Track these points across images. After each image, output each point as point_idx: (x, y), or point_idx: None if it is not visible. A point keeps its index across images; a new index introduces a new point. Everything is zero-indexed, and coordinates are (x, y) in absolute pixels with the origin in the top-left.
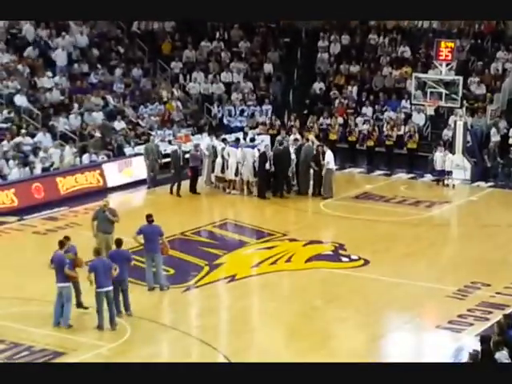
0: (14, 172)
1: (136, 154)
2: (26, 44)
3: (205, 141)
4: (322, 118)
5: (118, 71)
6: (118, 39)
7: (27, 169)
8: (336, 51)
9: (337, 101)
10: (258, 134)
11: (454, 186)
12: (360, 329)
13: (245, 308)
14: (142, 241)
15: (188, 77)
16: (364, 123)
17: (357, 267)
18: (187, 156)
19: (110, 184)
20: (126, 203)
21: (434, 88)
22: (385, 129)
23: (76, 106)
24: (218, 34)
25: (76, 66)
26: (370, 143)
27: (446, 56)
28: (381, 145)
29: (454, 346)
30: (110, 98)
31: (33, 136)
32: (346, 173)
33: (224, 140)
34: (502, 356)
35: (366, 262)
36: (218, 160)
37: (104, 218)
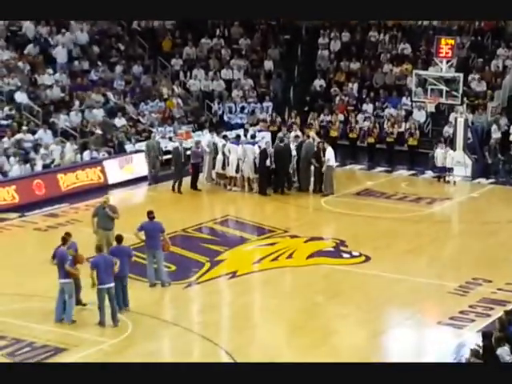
0: (15, 169)
1: (137, 151)
2: (27, 41)
3: (205, 138)
4: (322, 115)
5: (119, 68)
6: (118, 36)
7: (28, 165)
8: (336, 48)
9: (337, 98)
10: (259, 131)
11: (454, 182)
12: (361, 325)
13: (246, 304)
14: (144, 237)
15: (188, 74)
16: (365, 120)
17: (358, 263)
18: (188, 153)
19: (110, 181)
20: (127, 200)
21: (435, 85)
22: (385, 126)
23: (77, 103)
24: (218, 31)
25: (76, 63)
26: (371, 140)
27: (447, 53)
28: (381, 142)
29: (455, 342)
30: (110, 94)
31: (33, 133)
32: (346, 169)
33: (225, 137)
34: (503, 352)
35: (367, 259)
36: (219, 157)
37: (104, 214)
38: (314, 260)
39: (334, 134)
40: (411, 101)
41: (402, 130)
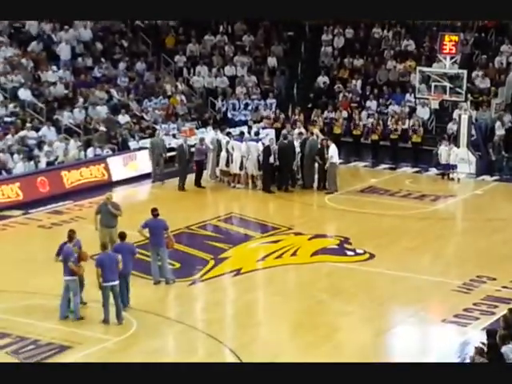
0: (19, 166)
1: (140, 148)
2: (30, 38)
3: (209, 135)
4: (326, 112)
5: (122, 65)
6: (121, 33)
7: (32, 163)
8: (340, 45)
9: (341, 94)
10: (263, 128)
11: (458, 179)
12: (365, 323)
13: (250, 302)
14: (147, 234)
15: (192, 71)
16: (368, 117)
17: (362, 261)
18: (192, 150)
19: (114, 178)
20: (131, 197)
21: (439, 82)
22: (389, 123)
23: (80, 99)
24: (221, 28)
25: (80, 59)
26: (375, 137)
27: (450, 49)
28: (385, 139)
29: (459, 340)
30: (114, 91)
31: (37, 130)
32: (350, 167)
33: (228, 134)
34: (508, 350)
35: (371, 256)
36: (223, 154)
37: (107, 211)
38: (318, 257)
39: (337, 130)
40: (415, 97)
41: (406, 126)
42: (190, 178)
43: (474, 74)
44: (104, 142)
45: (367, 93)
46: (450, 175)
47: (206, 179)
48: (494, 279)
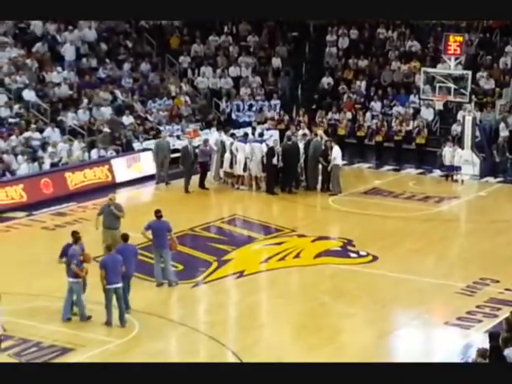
0: (23, 167)
1: (144, 149)
2: (35, 39)
3: (213, 136)
4: (330, 113)
5: (127, 66)
6: (126, 34)
7: (36, 164)
8: (344, 45)
9: (345, 96)
10: (267, 129)
11: (462, 181)
12: (368, 325)
13: (253, 304)
14: (151, 236)
15: (196, 71)
16: (373, 118)
17: (365, 263)
18: (196, 151)
19: (118, 179)
20: (135, 198)
21: (443, 83)
22: (393, 124)
23: (85, 100)
24: (226, 29)
25: (84, 60)
26: (379, 138)
27: (455, 50)
28: (389, 140)
29: (462, 342)
30: (118, 92)
31: (41, 131)
32: (354, 168)
33: (232, 135)
34: (510, 353)
35: (375, 258)
36: (227, 155)
37: (109, 212)
38: (321, 259)
39: (341, 132)
40: (419, 99)
41: (410, 128)
42: (194, 179)
43: (478, 75)
44: (108, 144)
45: (371, 94)
46: (454, 177)
47: (209, 181)
48: (498, 281)
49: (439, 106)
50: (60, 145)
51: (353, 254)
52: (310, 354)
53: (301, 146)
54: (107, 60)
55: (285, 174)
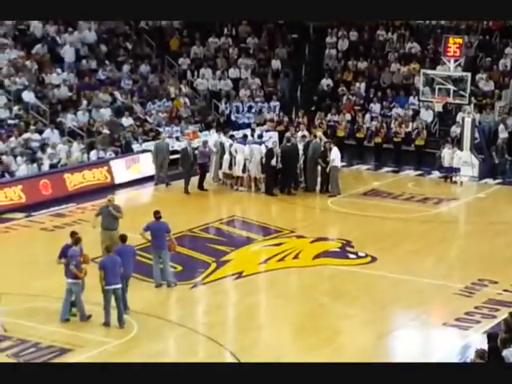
0: (22, 168)
1: (144, 151)
2: (34, 40)
3: (212, 137)
4: (329, 115)
5: (126, 67)
6: (125, 35)
7: (35, 165)
8: (344, 47)
9: (345, 97)
10: (266, 131)
11: (461, 182)
12: (367, 326)
13: (252, 305)
14: (150, 237)
15: (196, 73)
16: (372, 120)
17: (364, 264)
18: (196, 152)
19: (117, 180)
20: (134, 200)
21: (442, 84)
22: (393, 125)
23: (84, 102)
24: (225, 30)
25: (84, 62)
26: (378, 140)
27: (455, 52)
28: (389, 141)
29: (460, 343)
30: (117, 94)
31: (41, 132)
32: (353, 169)
33: (232, 136)
34: (509, 353)
35: (374, 259)
36: (226, 156)
37: (108, 213)
38: (320, 260)
39: (340, 133)
40: (419, 100)
41: (410, 129)
42: (193, 180)
43: (477, 77)
44: (107, 145)
45: (371, 95)
46: (453, 178)
47: (208, 182)
48: (496, 282)
49: (438, 107)
50: (59, 146)
51: (352, 255)
52: (309, 355)
53: (300, 147)
54: (107, 61)
55: (284, 176)
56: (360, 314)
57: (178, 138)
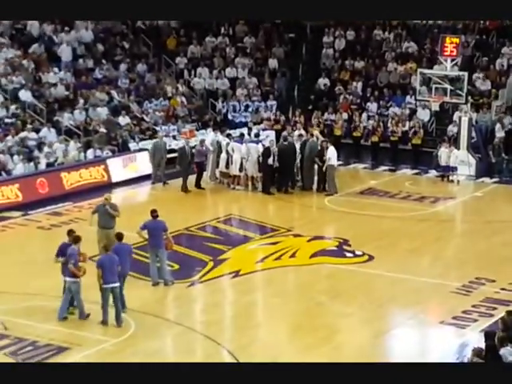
0: (19, 167)
1: (140, 150)
2: (31, 39)
3: (209, 136)
4: (326, 114)
5: (123, 66)
6: (122, 34)
7: (32, 164)
8: (341, 47)
9: (341, 96)
10: (263, 130)
11: (458, 181)
12: (364, 324)
13: (249, 303)
14: (147, 236)
15: (193, 72)
16: (369, 119)
17: (361, 263)
18: (193, 151)
19: (114, 179)
20: (131, 198)
21: (439, 84)
22: (389, 124)
23: (81, 101)
24: (222, 30)
25: (81, 61)
26: (375, 139)
27: (451, 52)
28: (385, 140)
29: (458, 341)
30: (114, 93)
31: (37, 131)
32: (350, 168)
33: (228, 135)
34: (506, 352)
35: (371, 258)
36: (223, 155)
37: (104, 212)
38: (317, 259)
39: (337, 132)
40: (415, 99)
41: (406, 128)
42: (190, 179)
43: (474, 76)
44: (104, 144)
45: (368, 95)
46: (450, 177)
47: (205, 181)
48: (493, 281)
49: (435, 106)
50: (56, 145)
51: (349, 254)
52: (306, 354)
53: (297, 146)
54: (104, 61)
55: (281, 174)
56: (357, 313)
57: (174, 137)
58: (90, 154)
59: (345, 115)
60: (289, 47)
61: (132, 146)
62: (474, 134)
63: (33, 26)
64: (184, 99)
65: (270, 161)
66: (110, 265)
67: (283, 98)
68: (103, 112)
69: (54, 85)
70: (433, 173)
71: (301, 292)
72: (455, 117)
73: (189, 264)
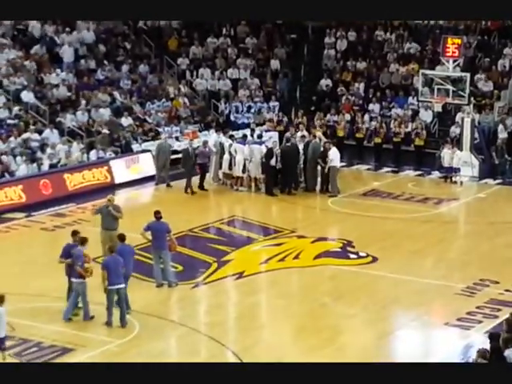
0: (22, 168)
1: (143, 151)
2: (33, 40)
3: (212, 137)
4: (329, 115)
5: (125, 67)
6: (124, 35)
7: (35, 165)
8: (343, 48)
9: (344, 97)
10: (266, 131)
11: (461, 183)
12: (368, 326)
13: (253, 305)
14: (150, 237)
15: (195, 73)
16: (371, 120)
17: (365, 264)
18: (196, 152)
19: (117, 180)
20: (134, 200)
21: (441, 85)
22: (392, 126)
23: (83, 102)
24: (224, 31)
25: (83, 62)
26: (378, 140)
27: (453, 52)
28: (388, 142)
29: (462, 343)
30: (116, 94)
31: (40, 132)
32: (353, 170)
33: (231, 137)
34: (511, 353)
35: (374, 259)
36: (226, 157)
37: (107, 213)
38: (321, 260)
39: (340, 133)
40: (418, 100)
41: (409, 130)
42: (194, 180)
43: (476, 77)
44: (107, 145)
45: (370, 96)
46: (453, 178)
47: (208, 182)
48: (497, 282)
49: (438, 107)
50: (59, 146)
51: (352, 255)
52: (310, 355)
53: (300, 147)
54: (106, 62)
55: (284, 176)
56: (361, 314)
57: (177, 138)
58: (92, 155)
59: (347, 116)
60: (290, 48)
61: (135, 147)
62: (476, 135)
63: (34, 27)
64: (186, 100)
65: (273, 162)
66: (115, 266)
67: (285, 99)
68: (106, 113)
69: (56, 86)
70: (436, 174)
71: (304, 293)
72: (458, 118)
73: (192, 265)
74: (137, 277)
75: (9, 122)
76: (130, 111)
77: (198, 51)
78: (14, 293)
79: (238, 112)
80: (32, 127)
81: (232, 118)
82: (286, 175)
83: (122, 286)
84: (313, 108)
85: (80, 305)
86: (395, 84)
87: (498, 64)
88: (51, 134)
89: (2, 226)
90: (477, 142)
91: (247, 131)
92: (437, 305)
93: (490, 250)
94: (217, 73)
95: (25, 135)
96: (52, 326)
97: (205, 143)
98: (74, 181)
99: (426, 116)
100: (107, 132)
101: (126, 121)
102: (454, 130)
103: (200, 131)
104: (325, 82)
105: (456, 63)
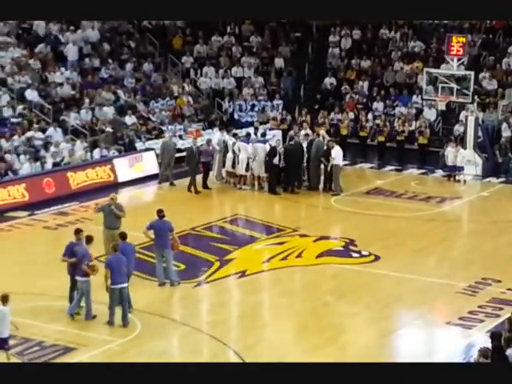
0: (25, 167)
1: (147, 149)
2: (37, 39)
3: (216, 136)
4: (332, 113)
5: (129, 66)
6: (128, 34)
7: (38, 163)
8: (347, 46)
9: (348, 96)
10: (270, 129)
11: (465, 181)
12: (370, 324)
13: (255, 303)
14: (153, 236)
15: (199, 71)
16: (375, 118)
17: (367, 263)
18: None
19: (120, 179)
20: (137, 198)
21: (446, 83)
22: (396, 124)
23: (87, 100)
24: (228, 29)
25: (87, 60)
26: (381, 138)
27: (458, 51)
28: (392, 140)
29: (464, 342)
30: (120, 92)
31: (44, 131)
32: (356, 168)
33: (235, 135)
34: None
35: (377, 258)
36: (229, 155)
37: (110, 212)
38: (324, 259)
39: (344, 132)
40: (422, 99)
41: (413, 128)
42: (197, 179)
43: (481, 76)
44: (110, 143)
45: (374, 94)
46: (457, 177)
47: (212, 180)
48: (500, 281)
49: (442, 106)
50: (62, 144)
51: (355, 254)
52: (313, 354)
53: (303, 145)
54: (110, 60)
55: (287, 174)
56: (363, 313)
57: (181, 137)
58: (96, 153)
59: (351, 115)
60: (295, 46)
61: (138, 145)
62: (480, 134)
63: (39, 26)
64: (190, 99)
65: (276, 160)
66: (118, 265)
67: (289, 97)
68: (109, 111)
69: (61, 84)
70: (439, 172)
71: (307, 292)
72: (461, 116)
73: (195, 264)
74: (139, 275)
75: (13, 120)
76: (133, 110)
77: (202, 50)
78: (16, 291)
79: (242, 110)
80: (36, 126)
81: (236, 116)
82: (289, 174)
83: (125, 285)
84: (317, 106)
85: (82, 304)
86: (399, 82)
87: (503, 62)
88: (55, 133)
89: (4, 224)
90: (480, 141)
91: (251, 129)
92: (439, 304)
93: (493, 248)
94: (221, 71)
95: (28, 134)
96: (54, 325)
97: (208, 141)
98: (78, 179)
99: (429, 114)
100: (111, 130)
101: (129, 119)
102: (458, 129)
103: (204, 129)
104: (329, 81)
105: (460, 62)
